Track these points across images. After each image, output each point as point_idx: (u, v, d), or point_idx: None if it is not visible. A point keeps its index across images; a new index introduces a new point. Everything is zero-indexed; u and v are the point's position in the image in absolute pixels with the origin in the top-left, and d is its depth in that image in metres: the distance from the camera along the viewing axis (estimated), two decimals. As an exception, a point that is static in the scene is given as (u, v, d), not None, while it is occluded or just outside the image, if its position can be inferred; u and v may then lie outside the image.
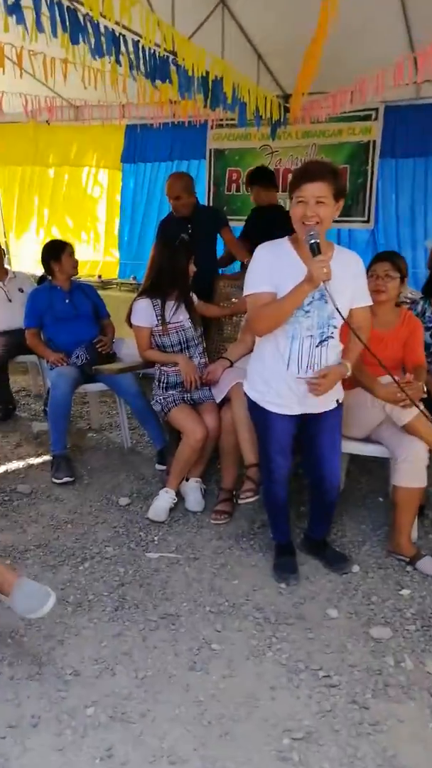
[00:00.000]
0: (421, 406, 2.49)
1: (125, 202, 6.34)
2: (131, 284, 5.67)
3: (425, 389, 2.64)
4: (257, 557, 2.63)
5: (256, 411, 2.36)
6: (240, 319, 3.58)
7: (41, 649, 2.05)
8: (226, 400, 2.96)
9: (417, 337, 2.83)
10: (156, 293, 3.03)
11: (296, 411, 2.29)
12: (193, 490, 3.01)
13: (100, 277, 6.11)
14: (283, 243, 2.22)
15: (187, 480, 3.04)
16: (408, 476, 2.52)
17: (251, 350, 3.21)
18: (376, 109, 4.89)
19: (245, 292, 2.22)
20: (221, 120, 5.13)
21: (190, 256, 3.03)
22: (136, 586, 2.41)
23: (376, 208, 5.10)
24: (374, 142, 4.97)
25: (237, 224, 4.57)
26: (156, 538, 2.75)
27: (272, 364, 2.23)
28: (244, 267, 3.94)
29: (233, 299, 3.56)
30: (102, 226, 6.53)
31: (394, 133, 4.90)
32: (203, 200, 5.43)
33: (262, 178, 4.54)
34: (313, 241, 2.04)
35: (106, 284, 5.71)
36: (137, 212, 6.23)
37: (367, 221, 5.14)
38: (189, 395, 3.01)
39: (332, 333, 2.20)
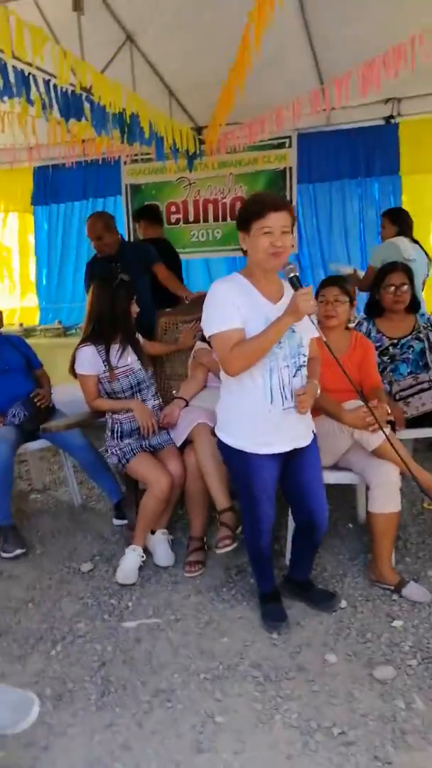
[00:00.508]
0: (388, 429, 2.47)
1: (40, 245, 6.14)
2: (56, 329, 5.44)
3: (388, 411, 2.62)
4: (242, 608, 2.48)
5: (235, 458, 2.21)
6: (185, 355, 3.46)
7: (23, 763, 1.80)
8: (187, 443, 2.82)
9: (370, 359, 2.82)
10: (99, 339, 2.86)
11: (285, 448, 2.17)
12: (160, 543, 2.82)
13: (21, 324, 5.83)
14: (240, 278, 2.13)
15: (152, 533, 2.85)
16: (384, 501, 2.47)
17: (204, 387, 3.12)
18: (290, 137, 5.00)
19: (211, 332, 2.08)
20: (135, 155, 5.08)
21: (131, 297, 2.89)
22: (119, 663, 2.19)
23: (299, 232, 5.18)
24: (290, 168, 5.07)
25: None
26: (130, 604, 2.54)
27: (253, 402, 2.11)
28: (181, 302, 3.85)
29: (177, 335, 3.44)
30: (16, 271, 6.28)
31: (309, 159, 5.03)
32: (123, 236, 5.33)
33: (148, 213, 4.73)
34: (293, 275, 2.00)
35: (29, 332, 5.45)
36: (54, 254, 6.05)
37: (291, 246, 5.19)
38: (147, 442, 2.83)
39: (303, 361, 2.14)
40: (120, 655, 2.24)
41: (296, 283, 1.99)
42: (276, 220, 1.97)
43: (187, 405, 2.97)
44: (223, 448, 2.26)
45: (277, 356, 2.06)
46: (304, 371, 2.15)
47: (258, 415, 2.11)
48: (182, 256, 5.37)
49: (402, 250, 3.85)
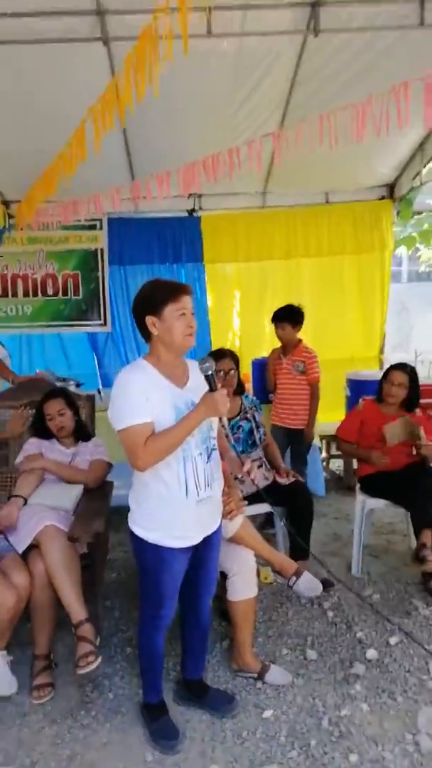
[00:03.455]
0: (243, 516, 2.54)
1: None
2: None
3: (240, 497, 2.68)
4: (105, 731, 2.25)
5: (149, 553, 2.07)
6: (15, 444, 3.17)
7: None
8: (30, 547, 2.53)
9: None
10: None
11: (198, 539, 2.10)
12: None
13: None
14: (147, 366, 2.05)
15: (-12, 657, 2.46)
16: (243, 589, 2.49)
17: (42, 480, 2.87)
18: (100, 220, 5.07)
19: (121, 426, 1.95)
20: None
21: None
22: None
23: (111, 311, 5.20)
24: (101, 249, 5.12)
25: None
26: (-29, 753, 2.14)
27: (169, 494, 2.00)
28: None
29: (3, 418, 3.15)
30: None
31: (120, 242, 5.14)
32: None
33: None
34: (210, 373, 1.99)
35: None
36: None
37: (104, 324, 5.20)
38: (-18, 552, 2.48)
39: (214, 445, 2.12)
40: None
41: (213, 382, 2.00)
42: (188, 302, 1.99)
43: (26, 503, 2.70)
44: (134, 540, 2.12)
45: (190, 445, 2.01)
46: (215, 455, 2.13)
47: (174, 507, 2.02)
48: (-12, 333, 5.04)
49: None
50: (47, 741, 2.20)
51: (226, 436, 2.16)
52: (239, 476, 3.09)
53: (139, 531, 2.10)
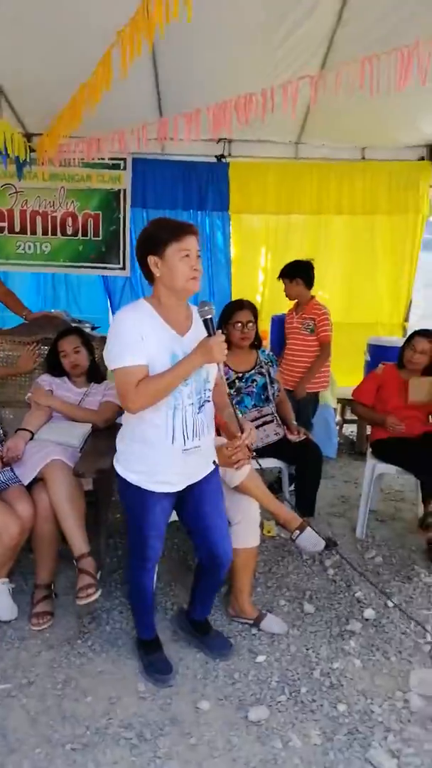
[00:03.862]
0: (251, 464, 2.51)
1: None
2: None
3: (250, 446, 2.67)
4: (101, 660, 2.30)
5: (130, 493, 2.06)
6: (24, 380, 3.16)
7: None
8: (35, 481, 2.54)
9: None
10: None
11: (180, 486, 2.08)
12: (1, 594, 2.49)
13: None
14: (144, 306, 1.97)
15: (-9, 583, 2.50)
16: (245, 537, 2.49)
17: (50, 417, 2.86)
18: (124, 159, 4.93)
19: (114, 365, 1.90)
20: None
21: None
22: (-34, 747, 1.87)
23: (131, 255, 5.10)
24: (124, 191, 4.99)
25: None
26: (-30, 670, 2.19)
27: (155, 440, 1.97)
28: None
29: (15, 353, 3.13)
30: None
31: (143, 184, 5.00)
32: None
33: None
34: (209, 317, 1.92)
35: None
36: None
37: (123, 268, 5.11)
38: (-12, 481, 2.50)
39: (208, 396, 2.07)
40: (-34, 736, 1.91)
41: (211, 327, 1.93)
42: (193, 243, 1.91)
43: (32, 438, 2.70)
44: (119, 481, 2.09)
45: (182, 393, 1.96)
46: (208, 407, 2.09)
47: (159, 453, 1.99)
48: (5, 268, 4.97)
49: None
50: (44, 664, 2.25)
51: (229, 395, 2.10)
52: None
53: (121, 471, 2.08)
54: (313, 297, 4.00)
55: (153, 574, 2.22)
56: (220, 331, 1.96)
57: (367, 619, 2.62)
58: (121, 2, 2.96)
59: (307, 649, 2.42)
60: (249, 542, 2.50)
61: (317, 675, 2.28)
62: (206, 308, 1.94)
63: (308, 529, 2.62)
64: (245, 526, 2.50)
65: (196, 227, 1.97)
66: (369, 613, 2.65)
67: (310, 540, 2.61)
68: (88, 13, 3.35)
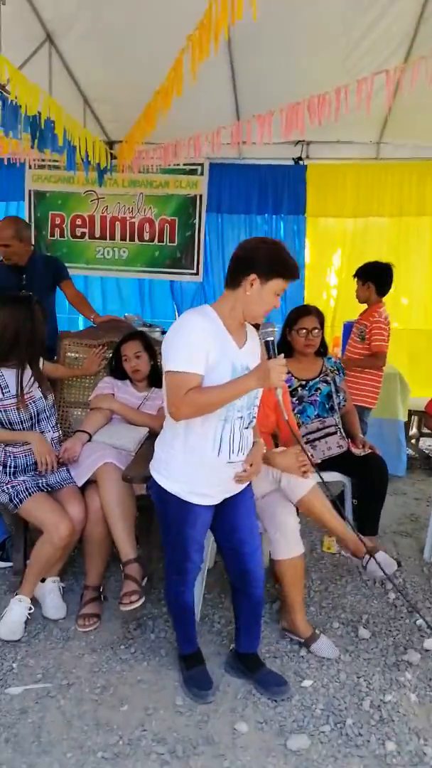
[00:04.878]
0: (314, 476, 2.40)
1: None
2: None
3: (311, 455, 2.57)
4: (142, 669, 2.27)
5: (171, 505, 2.01)
6: (89, 382, 3.22)
7: None
8: (89, 482, 2.57)
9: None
10: (7, 361, 2.56)
11: (218, 500, 2.03)
12: (51, 593, 2.53)
13: None
14: (214, 315, 1.92)
15: (42, 581, 2.55)
16: (286, 547, 2.34)
17: (109, 420, 2.89)
18: (202, 165, 4.95)
19: (170, 367, 1.85)
20: (42, 160, 4.74)
21: (46, 315, 2.63)
22: (0, 743, 1.89)
23: (205, 261, 5.11)
24: (200, 196, 5.01)
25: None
26: (15, 665, 2.23)
27: (201, 450, 1.93)
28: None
29: (81, 355, 3.19)
30: None
31: (219, 189, 5.00)
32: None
33: None
34: (270, 339, 1.89)
35: None
36: None
37: (196, 274, 5.13)
38: (44, 480, 2.54)
39: (255, 412, 2.03)
40: (1, 731, 1.93)
41: (271, 350, 1.89)
42: (286, 286, 1.90)
43: (90, 440, 2.73)
44: (157, 490, 2.05)
45: (234, 406, 1.91)
46: (254, 423, 2.04)
47: (203, 463, 1.95)
48: (84, 272, 5.13)
49: None
50: (85, 668, 2.25)
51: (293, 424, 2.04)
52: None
53: (161, 480, 2.02)
54: (379, 303, 3.79)
55: (193, 587, 2.16)
56: (282, 355, 1.90)
57: (427, 650, 2.43)
58: (193, 7, 2.96)
59: (358, 678, 2.27)
60: (292, 551, 2.35)
61: (366, 707, 2.13)
62: (269, 329, 1.90)
63: (380, 552, 2.50)
64: (284, 535, 2.36)
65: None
66: (429, 643, 2.46)
67: (384, 563, 2.47)
68: (162, 22, 3.37)
